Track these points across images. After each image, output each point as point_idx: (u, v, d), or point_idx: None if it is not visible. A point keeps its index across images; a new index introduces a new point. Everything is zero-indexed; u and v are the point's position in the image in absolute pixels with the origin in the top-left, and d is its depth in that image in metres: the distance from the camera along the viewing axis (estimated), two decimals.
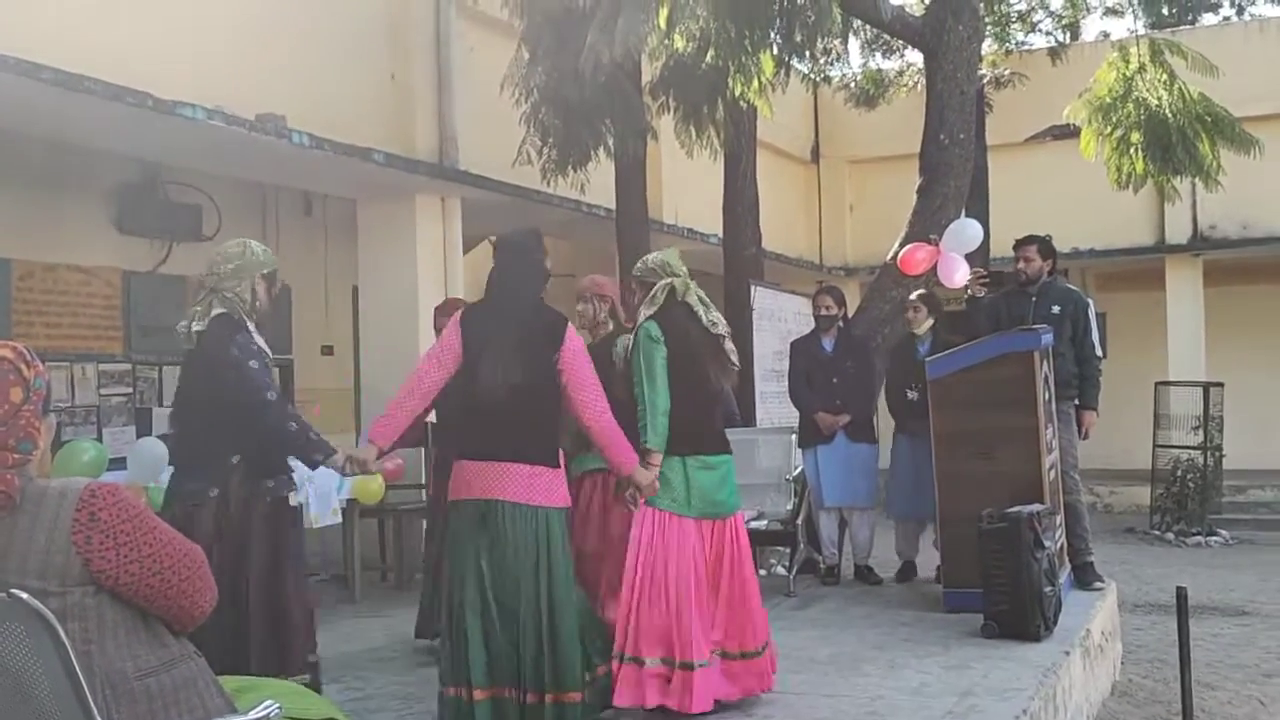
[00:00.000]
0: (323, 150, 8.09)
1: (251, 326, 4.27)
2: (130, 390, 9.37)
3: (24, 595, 1.97)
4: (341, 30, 8.96)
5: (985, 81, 14.81)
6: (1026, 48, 17.20)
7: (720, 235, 11.41)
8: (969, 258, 8.11)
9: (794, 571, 7.39)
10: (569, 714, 4.20)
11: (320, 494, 7.63)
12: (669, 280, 4.73)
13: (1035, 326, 6.70)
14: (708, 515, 4.69)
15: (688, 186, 12.61)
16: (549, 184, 9.27)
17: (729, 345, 4.79)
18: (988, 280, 7.70)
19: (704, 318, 4.74)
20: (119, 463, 6.97)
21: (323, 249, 10.76)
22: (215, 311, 4.22)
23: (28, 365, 2.26)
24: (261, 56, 8.06)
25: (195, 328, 4.22)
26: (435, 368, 4.33)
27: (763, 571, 8.92)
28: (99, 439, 8.50)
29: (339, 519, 8.06)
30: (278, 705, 2.30)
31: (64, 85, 6.24)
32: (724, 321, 4.84)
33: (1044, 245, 7.31)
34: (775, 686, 4.92)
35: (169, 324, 9.36)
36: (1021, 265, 7.28)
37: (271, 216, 10.31)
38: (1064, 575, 6.49)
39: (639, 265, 4.92)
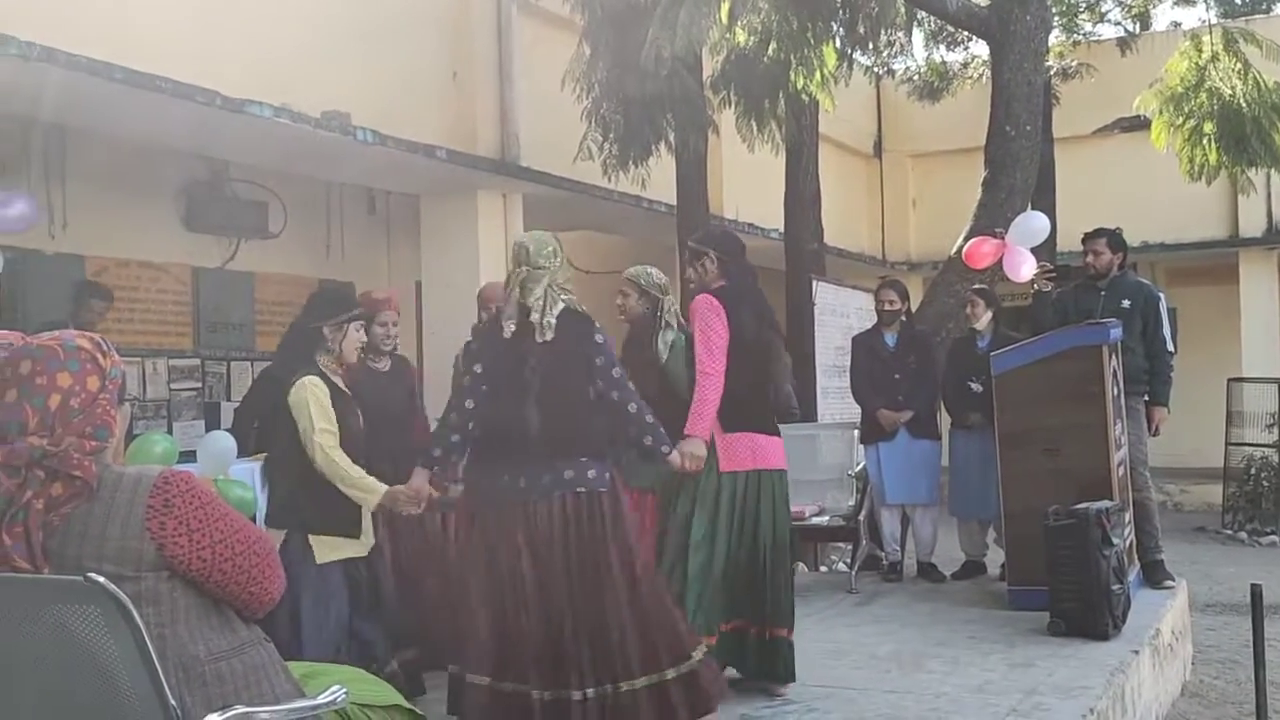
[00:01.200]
0: (386, 147, 8.17)
1: None
2: (199, 385, 9.54)
3: (101, 579, 2.00)
4: (404, 27, 9.04)
5: (1052, 73, 14.59)
6: (1095, 38, 16.91)
7: (781, 230, 11.37)
8: (1035, 252, 8.00)
9: (856, 568, 7.33)
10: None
11: None
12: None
13: (1103, 320, 6.59)
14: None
15: (749, 181, 12.57)
16: (610, 179, 9.30)
17: None
18: (1054, 275, 7.59)
19: None
20: (189, 456, 7.10)
21: (386, 246, 10.87)
22: (562, 305, 4.09)
23: (104, 355, 2.31)
24: (326, 54, 8.16)
25: (549, 319, 4.03)
26: (722, 356, 4.54)
27: (824, 568, 8.89)
28: (169, 432, 8.65)
29: None
30: (345, 690, 2.32)
31: (135, 84, 6.36)
32: None
33: (1113, 238, 7.19)
34: (837, 681, 4.92)
35: (237, 320, 9.65)
36: (1090, 259, 7.17)
37: (336, 214, 10.44)
38: (1133, 573, 6.38)
39: (642, 273, 5.53)
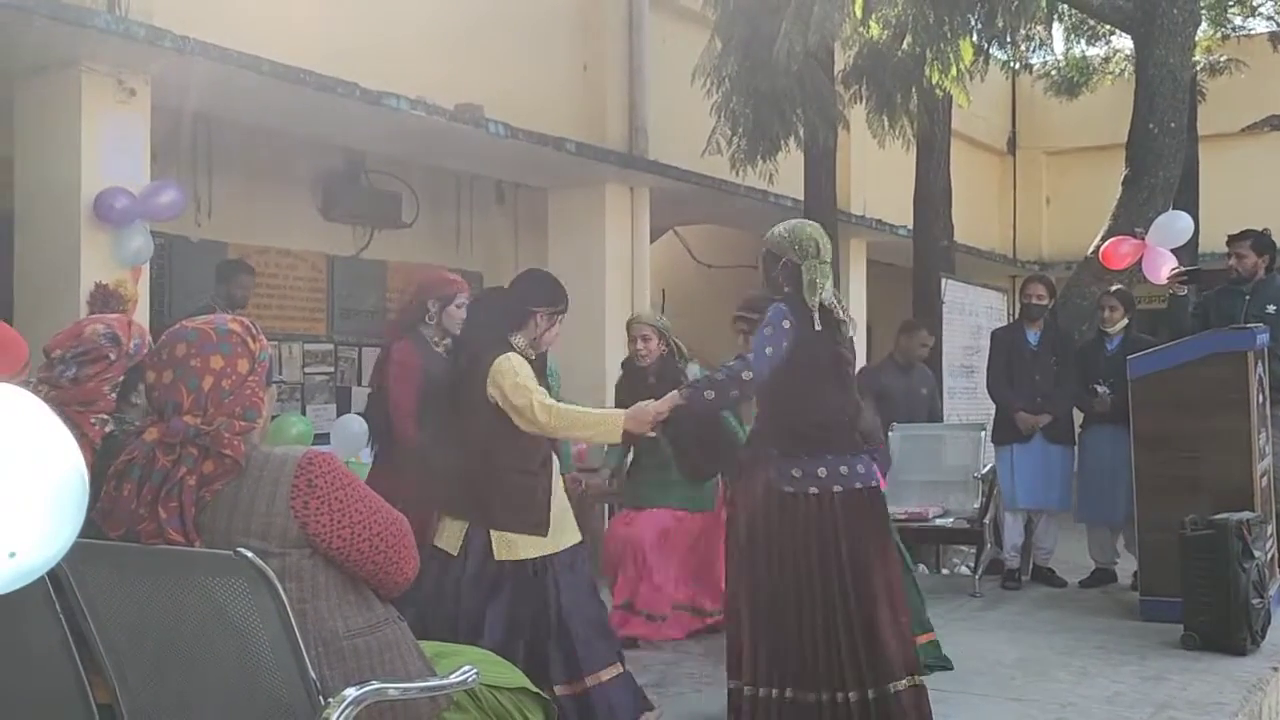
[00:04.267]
0: (517, 140, 8.28)
1: None
2: (332, 370, 9.81)
3: (249, 554, 2.09)
4: (536, 21, 9.16)
5: (1199, 68, 14.06)
6: (1245, 32, 16.24)
7: (910, 227, 11.21)
8: (1175, 253, 7.75)
9: (980, 572, 7.20)
10: None
11: None
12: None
13: (1248, 325, 6.36)
14: None
15: (878, 177, 12.41)
16: (737, 174, 9.27)
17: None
18: (1186, 278, 7.33)
19: None
20: (322, 438, 7.31)
21: (514, 237, 11.02)
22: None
23: (253, 339, 2.40)
24: (460, 47, 8.31)
25: (848, 317, 4.11)
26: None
27: (945, 571, 8.74)
28: (303, 415, 8.92)
29: None
30: (475, 671, 2.37)
31: (280, 77, 6.57)
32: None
33: (1259, 241, 6.94)
34: (960, 687, 4.84)
35: (369, 307, 9.90)
36: (1234, 262, 6.93)
37: (466, 205, 10.62)
38: (1274, 588, 6.14)
39: (652, 316, 5.65)
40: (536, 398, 3.96)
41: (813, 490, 3.92)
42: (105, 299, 6.08)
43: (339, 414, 9.05)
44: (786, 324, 3.97)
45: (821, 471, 3.93)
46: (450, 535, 4.01)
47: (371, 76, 7.19)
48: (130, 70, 6.28)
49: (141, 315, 6.32)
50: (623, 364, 6.19)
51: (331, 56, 7.01)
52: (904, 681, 3.86)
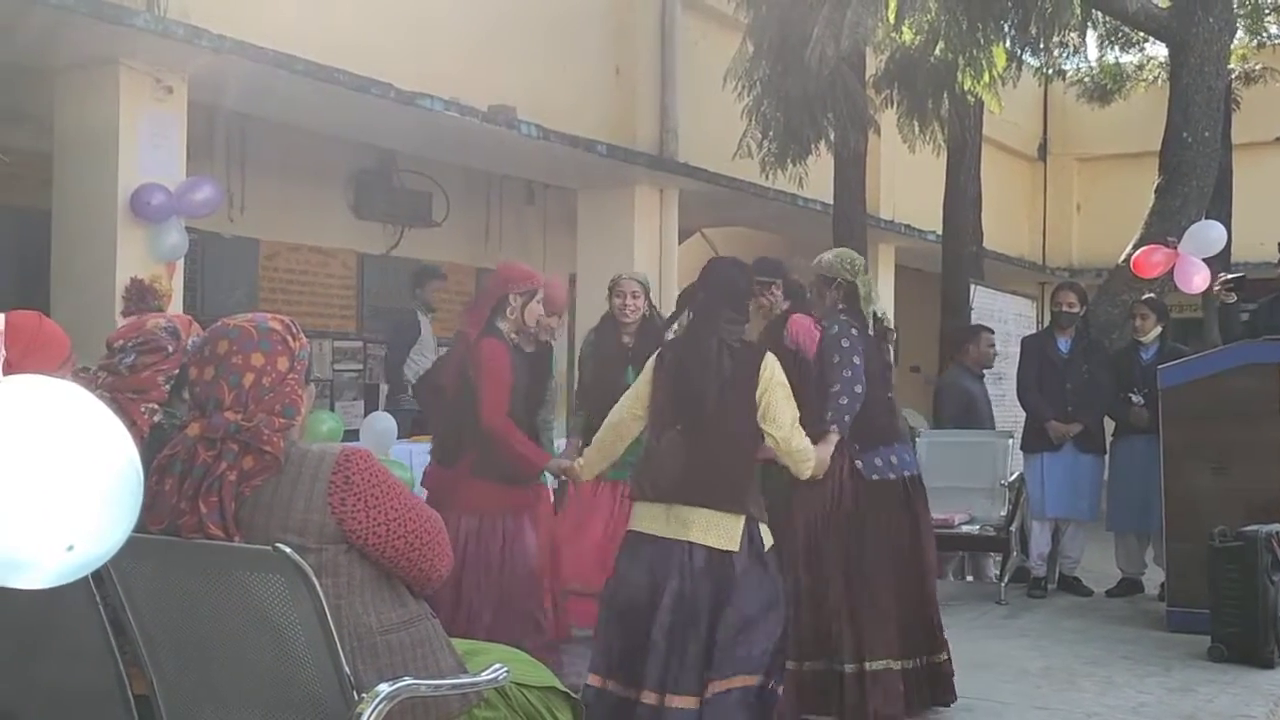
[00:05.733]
0: (549, 141, 8.32)
1: None
2: (361, 367, 9.88)
3: (287, 550, 2.12)
4: (569, 23, 9.20)
5: (1234, 77, 13.96)
6: None
7: (939, 233, 11.19)
8: (1207, 263, 7.70)
9: (1005, 580, 7.18)
10: None
11: None
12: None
13: None
14: None
15: (907, 182, 12.39)
16: (767, 177, 9.28)
17: None
18: (1234, 287, 7.28)
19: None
20: (350, 435, 7.36)
21: (542, 237, 11.06)
22: None
23: (293, 337, 2.43)
24: (494, 49, 8.35)
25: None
26: None
27: (970, 578, 8.71)
28: (333, 411, 8.98)
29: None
30: (506, 669, 2.40)
31: (315, 76, 6.63)
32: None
33: None
34: (984, 694, 4.83)
35: (398, 305, 9.95)
36: None
37: (495, 205, 10.67)
38: None
39: (642, 275, 5.79)
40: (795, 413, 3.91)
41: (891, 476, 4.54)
42: (140, 294, 6.14)
43: (367, 411, 9.11)
44: (854, 331, 4.55)
45: (893, 459, 4.58)
46: (725, 532, 3.78)
47: (406, 77, 7.23)
48: (168, 68, 6.35)
49: (174, 311, 6.39)
50: (601, 320, 5.76)
51: (366, 57, 7.06)
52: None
